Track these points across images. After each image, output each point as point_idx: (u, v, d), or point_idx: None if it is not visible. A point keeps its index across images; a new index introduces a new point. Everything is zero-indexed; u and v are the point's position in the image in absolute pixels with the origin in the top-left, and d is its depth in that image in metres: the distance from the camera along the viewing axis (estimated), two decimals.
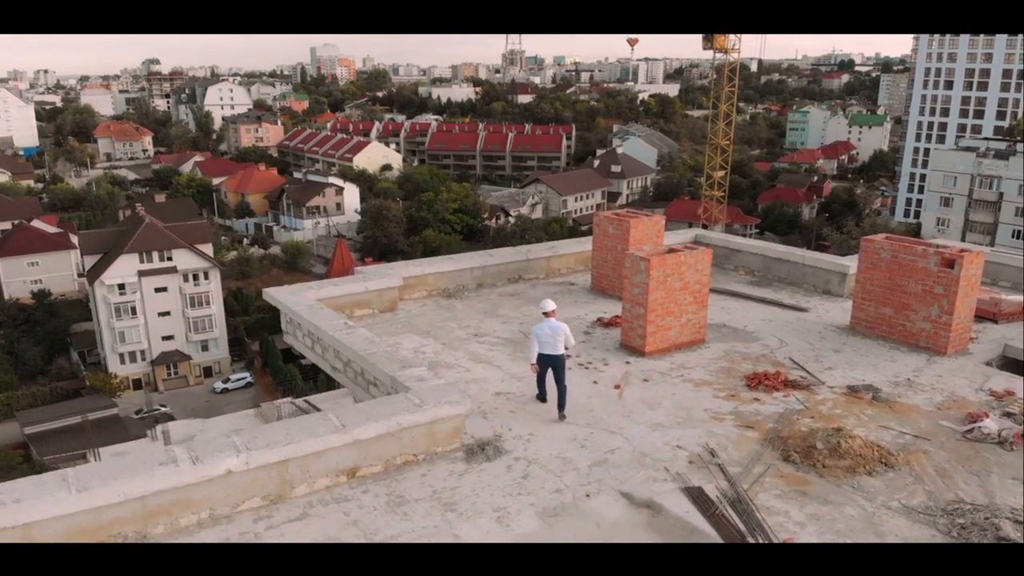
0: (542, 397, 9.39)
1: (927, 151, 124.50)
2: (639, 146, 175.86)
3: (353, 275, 12.87)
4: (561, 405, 9.04)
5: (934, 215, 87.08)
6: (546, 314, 9.55)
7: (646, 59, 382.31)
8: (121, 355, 75.87)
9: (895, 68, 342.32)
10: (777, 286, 14.67)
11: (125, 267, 72.99)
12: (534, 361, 9.29)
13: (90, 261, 76.73)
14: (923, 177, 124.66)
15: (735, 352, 11.21)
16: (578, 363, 10.62)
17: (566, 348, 9.28)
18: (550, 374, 9.28)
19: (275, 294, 11.61)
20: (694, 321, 11.17)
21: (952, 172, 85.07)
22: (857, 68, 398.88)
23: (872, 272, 11.66)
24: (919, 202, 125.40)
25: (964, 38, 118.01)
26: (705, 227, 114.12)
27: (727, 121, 66.18)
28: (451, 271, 13.80)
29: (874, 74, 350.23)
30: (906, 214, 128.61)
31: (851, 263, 13.96)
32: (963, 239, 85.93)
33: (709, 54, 73.90)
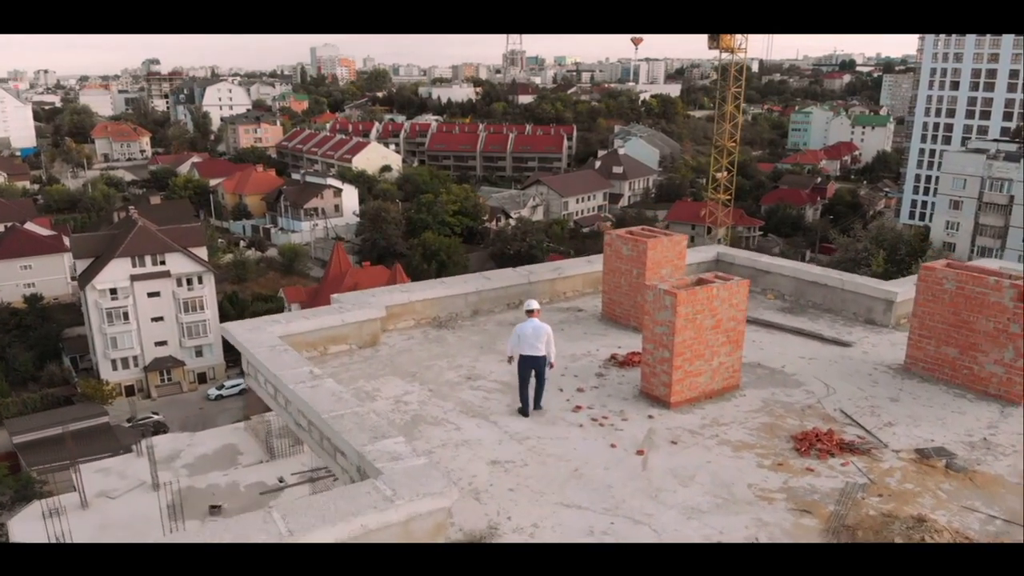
0: (524, 411, 9.02)
1: (933, 152, 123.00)
2: (641, 147, 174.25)
3: (330, 303, 11.17)
4: (538, 396, 9.06)
5: (944, 218, 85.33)
6: (530, 312, 9.32)
7: (647, 59, 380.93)
8: (113, 361, 74.27)
9: (897, 68, 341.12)
10: (812, 314, 12.96)
11: (117, 271, 71.37)
12: (511, 355, 9.18)
13: (83, 265, 75.08)
14: (929, 179, 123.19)
15: (776, 402, 9.50)
16: (591, 418, 8.92)
17: (549, 361, 9.13)
18: (532, 386, 9.08)
19: (233, 331, 9.92)
20: (727, 365, 9.48)
21: (962, 175, 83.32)
22: (858, 68, 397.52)
23: (932, 305, 9.97)
24: (924, 204, 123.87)
25: (970, 38, 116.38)
26: (710, 231, 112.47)
27: (732, 122, 64.40)
28: (442, 297, 12.10)
29: (875, 74, 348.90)
30: (911, 216, 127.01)
31: (897, 289, 12.26)
32: (973, 243, 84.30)
33: (710, 54, 72.36)
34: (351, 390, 9.46)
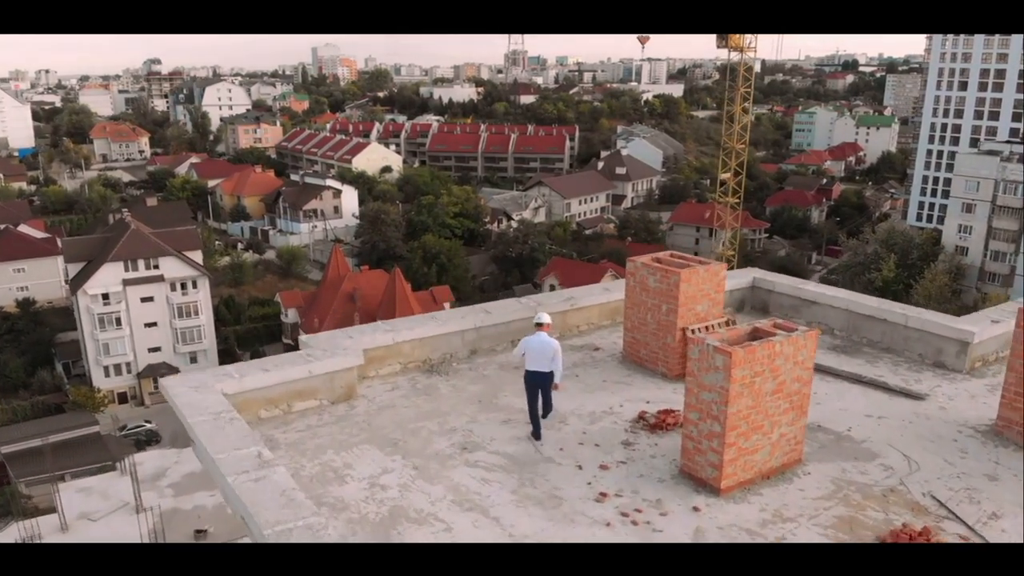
0: (537, 434, 8.41)
1: (940, 153, 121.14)
2: (644, 147, 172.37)
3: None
4: (543, 414, 8.56)
5: (956, 222, 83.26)
6: (539, 326, 8.75)
7: (649, 59, 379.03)
8: (105, 368, 72.52)
9: (900, 68, 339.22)
10: (869, 354, 11.04)
11: (109, 276, 69.60)
12: (517, 364, 8.80)
13: (75, 268, 73.32)
14: (936, 180, 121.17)
15: (849, 483, 7.60)
16: (620, 512, 7.00)
17: (555, 382, 8.64)
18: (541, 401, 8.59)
19: (172, 390, 8.04)
20: (789, 436, 7.58)
21: (975, 177, 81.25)
22: (861, 69, 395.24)
23: None
24: (933, 206, 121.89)
25: (979, 38, 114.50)
26: (712, 232, 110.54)
27: (742, 124, 62.47)
28: (435, 336, 10.20)
29: (878, 75, 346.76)
30: (919, 218, 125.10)
31: (974, 328, 10.35)
32: (986, 248, 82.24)
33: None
34: (315, 468, 7.58)
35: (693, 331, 9.62)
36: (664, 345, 9.79)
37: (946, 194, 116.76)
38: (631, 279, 10.12)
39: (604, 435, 8.39)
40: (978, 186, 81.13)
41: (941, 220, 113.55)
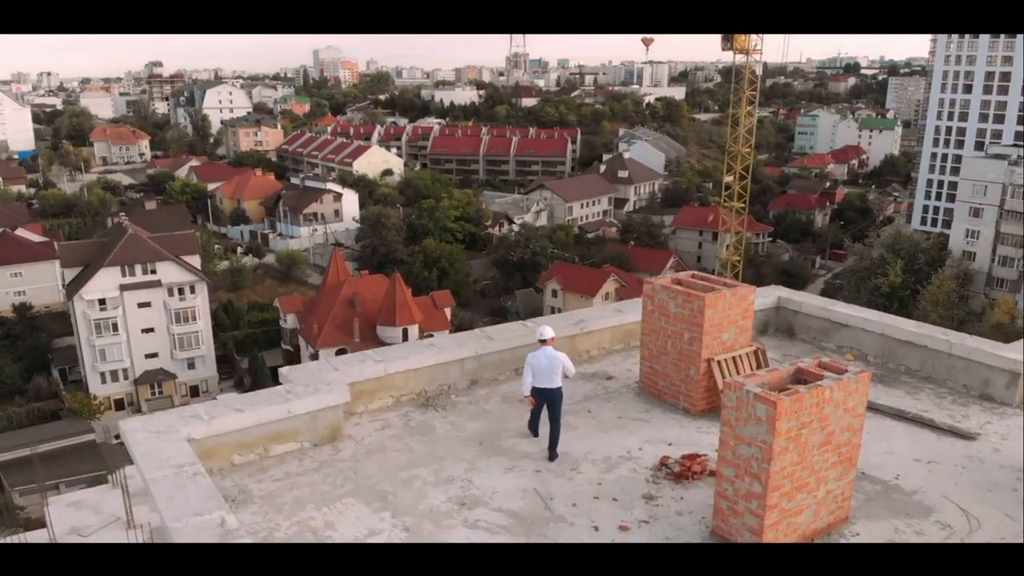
0: (534, 431, 8.41)
1: (945, 156, 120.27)
2: (646, 151, 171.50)
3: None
4: (553, 444, 8.16)
5: (963, 226, 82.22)
6: (543, 342, 8.48)
7: (651, 62, 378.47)
8: (102, 374, 71.64)
9: (902, 71, 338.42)
10: (909, 385, 10.07)
11: (106, 281, 68.72)
12: (528, 394, 8.40)
13: (72, 273, 72.46)
14: (941, 183, 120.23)
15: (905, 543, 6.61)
16: None
17: (566, 372, 8.40)
18: (544, 415, 8.36)
19: (132, 435, 7.07)
20: (836, 492, 6.61)
21: (982, 181, 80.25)
22: (863, 71, 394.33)
23: None
24: (938, 209, 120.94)
25: (983, 40, 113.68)
26: (715, 236, 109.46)
27: (747, 128, 61.56)
28: (431, 366, 9.24)
29: (880, 77, 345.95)
30: (923, 222, 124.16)
31: None
32: (994, 253, 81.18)
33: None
34: (291, 529, 6.61)
35: (719, 362, 8.66)
36: (686, 377, 8.82)
37: (951, 198, 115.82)
38: (648, 303, 9.16)
39: (622, 486, 7.41)
40: (985, 190, 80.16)
41: (946, 224, 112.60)
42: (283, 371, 8.49)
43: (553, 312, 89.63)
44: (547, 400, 8.19)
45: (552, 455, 7.96)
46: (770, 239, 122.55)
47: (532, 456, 7.94)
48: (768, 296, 11.64)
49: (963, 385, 9.83)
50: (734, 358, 8.79)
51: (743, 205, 62.46)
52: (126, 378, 72.37)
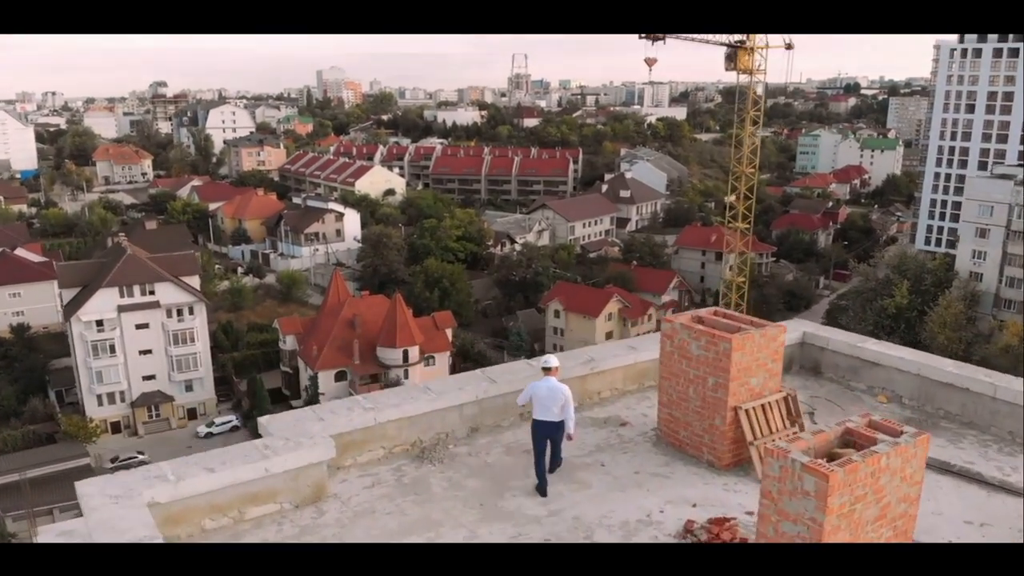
0: (542, 489, 7.67)
1: (948, 176, 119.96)
2: (648, 170, 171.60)
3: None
4: (552, 467, 7.89)
5: (970, 247, 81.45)
6: (547, 370, 8.04)
7: (651, 83, 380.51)
8: (99, 396, 70.74)
9: (902, 91, 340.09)
10: (949, 431, 9.24)
11: (104, 302, 68.06)
12: (522, 403, 8.19)
13: (70, 294, 71.77)
14: (945, 203, 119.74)
15: None
16: None
17: (568, 432, 7.93)
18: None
19: (87, 500, 6.25)
20: None
21: (988, 201, 79.62)
22: (863, 91, 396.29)
23: None
24: (941, 229, 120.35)
25: (986, 59, 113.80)
26: (718, 256, 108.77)
27: (751, 147, 61.10)
28: (426, 413, 8.42)
29: (880, 97, 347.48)
30: (927, 242, 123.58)
31: None
32: (1001, 273, 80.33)
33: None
34: None
35: (747, 411, 7.84)
36: (711, 427, 8.00)
37: (955, 218, 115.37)
38: (668, 343, 8.36)
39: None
40: (992, 210, 79.49)
41: (951, 244, 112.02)
42: (262, 422, 7.68)
43: (556, 332, 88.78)
44: (548, 435, 7.78)
45: (542, 489, 7.60)
46: (773, 259, 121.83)
47: (540, 520, 7.09)
48: (793, 331, 10.83)
49: (1008, 432, 9.00)
50: (763, 406, 7.98)
51: (748, 226, 61.83)
52: (123, 400, 71.41)
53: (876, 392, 10.12)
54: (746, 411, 7.84)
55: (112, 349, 69.28)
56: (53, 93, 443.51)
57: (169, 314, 70.60)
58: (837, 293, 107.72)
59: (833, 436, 5.67)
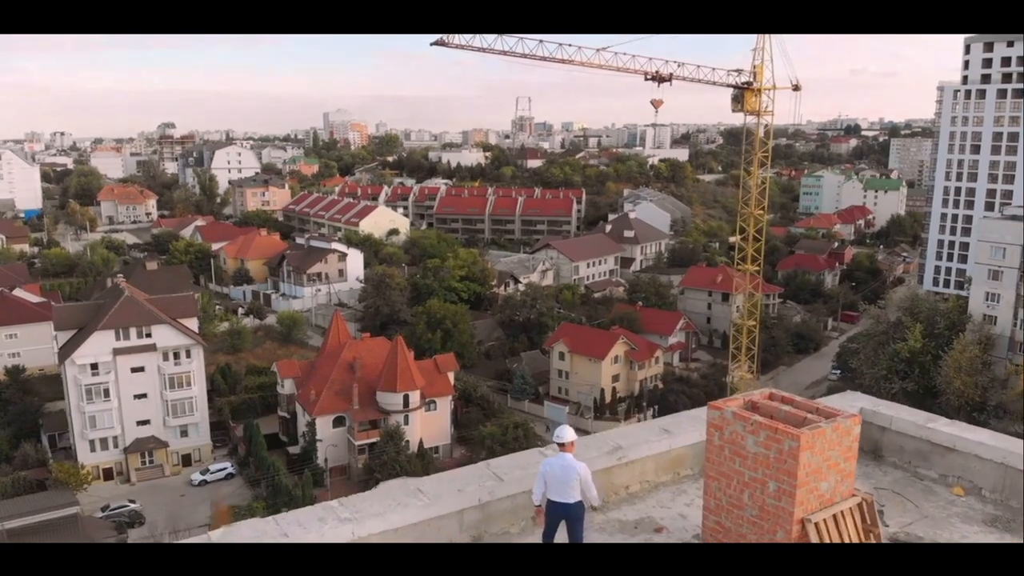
0: None
1: (955, 217, 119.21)
2: (651, 211, 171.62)
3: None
4: None
5: (983, 289, 79.95)
6: (562, 447, 7.25)
7: (653, 125, 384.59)
8: (91, 441, 68.91)
9: (903, 132, 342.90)
10: None
11: (99, 345, 66.70)
12: (538, 503, 7.19)
13: (66, 336, 70.44)
14: (952, 244, 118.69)
15: None
16: None
17: (590, 504, 7.20)
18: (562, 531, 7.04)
19: None
20: None
21: (1000, 243, 78.39)
22: (863, 132, 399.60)
23: None
24: (949, 270, 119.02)
25: (990, 100, 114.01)
26: (724, 297, 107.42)
27: (759, 189, 60.21)
28: (418, 524, 6.92)
29: (881, 138, 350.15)
30: (935, 283, 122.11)
31: None
32: (1015, 316, 78.66)
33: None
34: None
35: (817, 523, 6.35)
36: (772, 541, 6.49)
37: (963, 258, 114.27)
38: (716, 435, 6.90)
39: None
40: (1004, 252, 78.20)
41: (959, 285, 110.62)
42: (213, 537, 6.18)
43: (561, 375, 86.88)
44: (565, 517, 7.01)
45: None
46: (780, 300, 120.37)
47: None
48: (849, 404, 9.35)
49: None
50: (835, 516, 6.49)
51: (758, 268, 60.59)
52: (116, 446, 69.49)
53: (951, 482, 8.61)
54: (815, 524, 6.35)
55: (106, 393, 67.65)
56: (62, 133, 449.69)
57: (166, 357, 69.12)
58: (847, 335, 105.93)
59: None
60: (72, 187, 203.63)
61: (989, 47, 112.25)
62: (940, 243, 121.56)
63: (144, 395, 69.17)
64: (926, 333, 74.85)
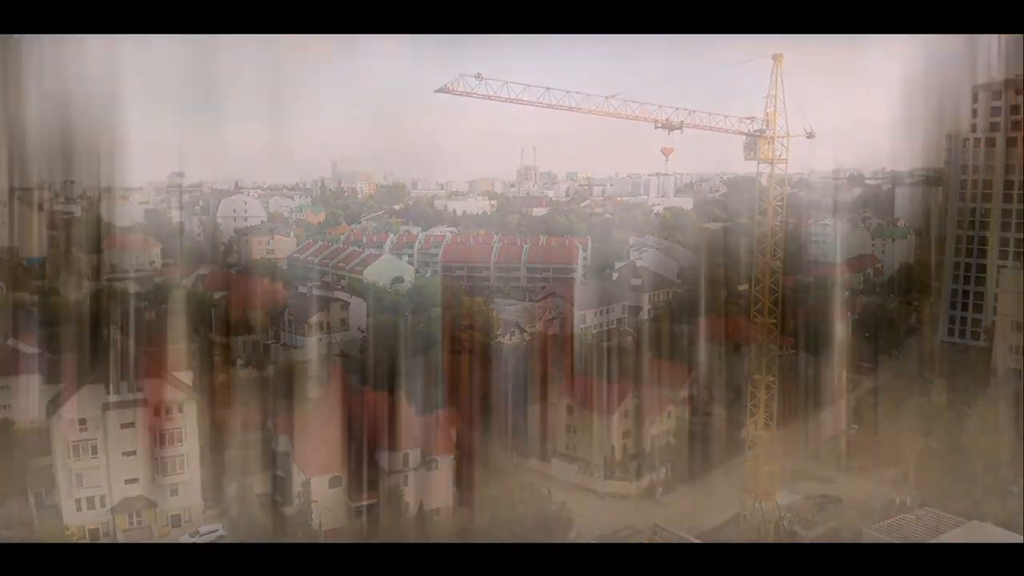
0: None
1: (968, 266, 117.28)
2: (658, 259, 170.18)
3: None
4: None
5: (1006, 342, 77.27)
6: None
7: (658, 174, 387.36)
8: (77, 500, 65.81)
9: (907, 181, 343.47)
10: None
11: (88, 399, 64.26)
12: None
13: (57, 389, 68.16)
14: (967, 294, 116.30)
15: None
16: None
17: None
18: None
19: None
20: None
21: (1021, 294, 76.08)
22: (867, 181, 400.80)
23: None
24: (964, 320, 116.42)
25: (1000, 148, 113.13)
26: (737, 347, 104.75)
27: (775, 239, 58.29)
28: None
29: (885, 187, 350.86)
30: (951, 333, 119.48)
31: None
32: None
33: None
34: None
35: None
36: None
37: (978, 307, 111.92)
38: None
39: None
40: None
41: (975, 335, 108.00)
42: None
43: (569, 431, 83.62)
44: None
45: None
46: (792, 351, 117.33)
47: None
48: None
49: None
50: None
51: (775, 320, 58.29)
52: (103, 505, 66.52)
53: None
54: None
55: (94, 450, 64.95)
56: (72, 181, 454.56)
57: (157, 412, 66.52)
58: (864, 388, 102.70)
59: None
60: (78, 234, 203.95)
61: (997, 95, 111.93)
62: (955, 292, 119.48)
63: (134, 452, 66.49)
64: (949, 388, 71.97)
